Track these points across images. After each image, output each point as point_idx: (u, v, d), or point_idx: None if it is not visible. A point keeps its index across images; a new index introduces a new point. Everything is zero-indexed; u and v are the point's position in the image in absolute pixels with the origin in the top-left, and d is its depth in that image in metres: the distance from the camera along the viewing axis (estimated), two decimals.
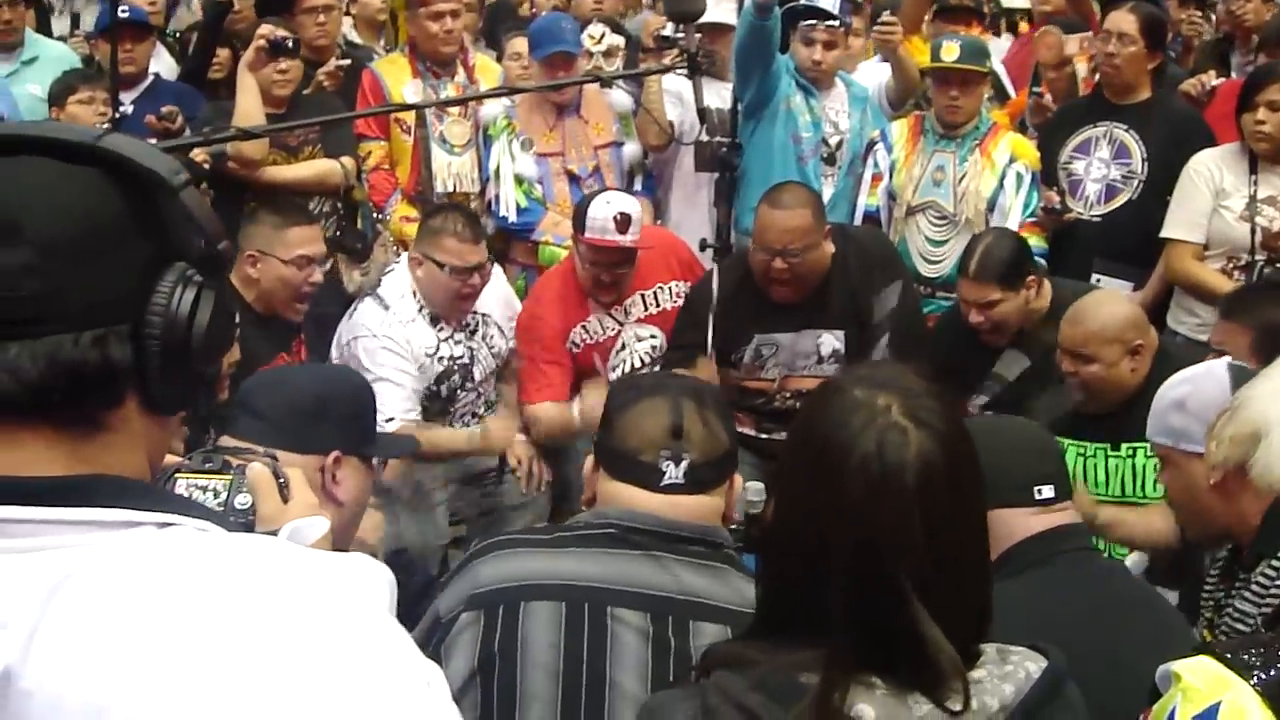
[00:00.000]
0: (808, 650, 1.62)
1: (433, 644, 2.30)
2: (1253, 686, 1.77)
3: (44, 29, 7.23)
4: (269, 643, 1.18)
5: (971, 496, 1.70)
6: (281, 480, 1.84)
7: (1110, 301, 4.36)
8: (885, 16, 6.15)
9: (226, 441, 2.58)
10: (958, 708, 1.59)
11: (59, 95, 5.68)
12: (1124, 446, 4.20)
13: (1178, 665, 1.84)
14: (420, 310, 4.88)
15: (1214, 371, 2.92)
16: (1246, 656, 1.81)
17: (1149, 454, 4.06)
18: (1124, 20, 5.61)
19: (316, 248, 4.67)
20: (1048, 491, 2.60)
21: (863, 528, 1.60)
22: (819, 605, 1.62)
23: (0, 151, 1.26)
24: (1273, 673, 1.78)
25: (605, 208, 4.88)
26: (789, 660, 1.63)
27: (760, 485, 2.96)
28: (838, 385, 1.72)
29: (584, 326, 5.10)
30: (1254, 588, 2.60)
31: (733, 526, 2.47)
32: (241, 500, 1.79)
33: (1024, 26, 7.47)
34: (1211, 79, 5.99)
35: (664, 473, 2.32)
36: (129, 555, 1.21)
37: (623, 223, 4.84)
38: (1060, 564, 2.58)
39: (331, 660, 1.19)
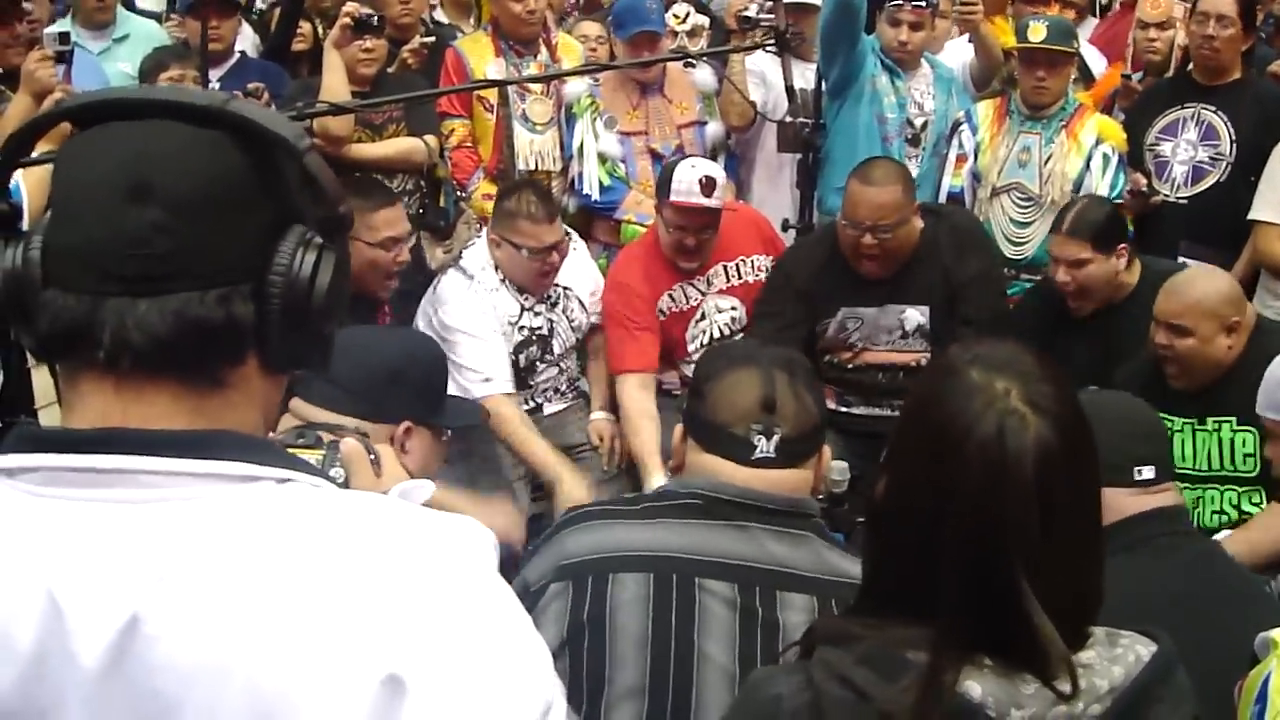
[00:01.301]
0: (915, 628, 1.61)
1: None
2: None
3: (129, 4, 7.32)
4: (387, 599, 1.20)
5: (1088, 482, 1.70)
6: (373, 456, 1.87)
7: (1210, 276, 4.34)
8: None
9: (297, 405, 2.60)
10: (1066, 689, 1.58)
11: (150, 73, 5.72)
12: (1210, 420, 4.17)
13: (1276, 633, 1.84)
14: (503, 281, 4.91)
15: None
16: None
17: (1234, 428, 4.04)
18: (1222, 2, 5.54)
19: (402, 227, 4.68)
20: (1148, 473, 2.59)
21: (980, 514, 1.59)
22: (928, 585, 1.62)
23: (131, 114, 1.29)
24: None
25: (690, 171, 4.90)
26: (896, 636, 1.63)
27: (844, 465, 2.96)
28: (954, 366, 1.70)
29: (670, 295, 5.11)
30: None
31: (819, 499, 2.47)
32: (336, 474, 1.81)
33: (1116, 7, 7.38)
34: None
35: (755, 446, 2.32)
36: (252, 509, 1.24)
37: (708, 185, 4.85)
38: (1152, 549, 2.57)
39: (448, 614, 1.22)
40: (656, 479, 4.56)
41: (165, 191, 1.25)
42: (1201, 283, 4.23)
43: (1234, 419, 4.01)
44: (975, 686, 1.58)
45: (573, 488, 4.60)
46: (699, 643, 2.25)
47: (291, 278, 1.30)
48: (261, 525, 1.23)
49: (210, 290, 1.26)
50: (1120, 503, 2.56)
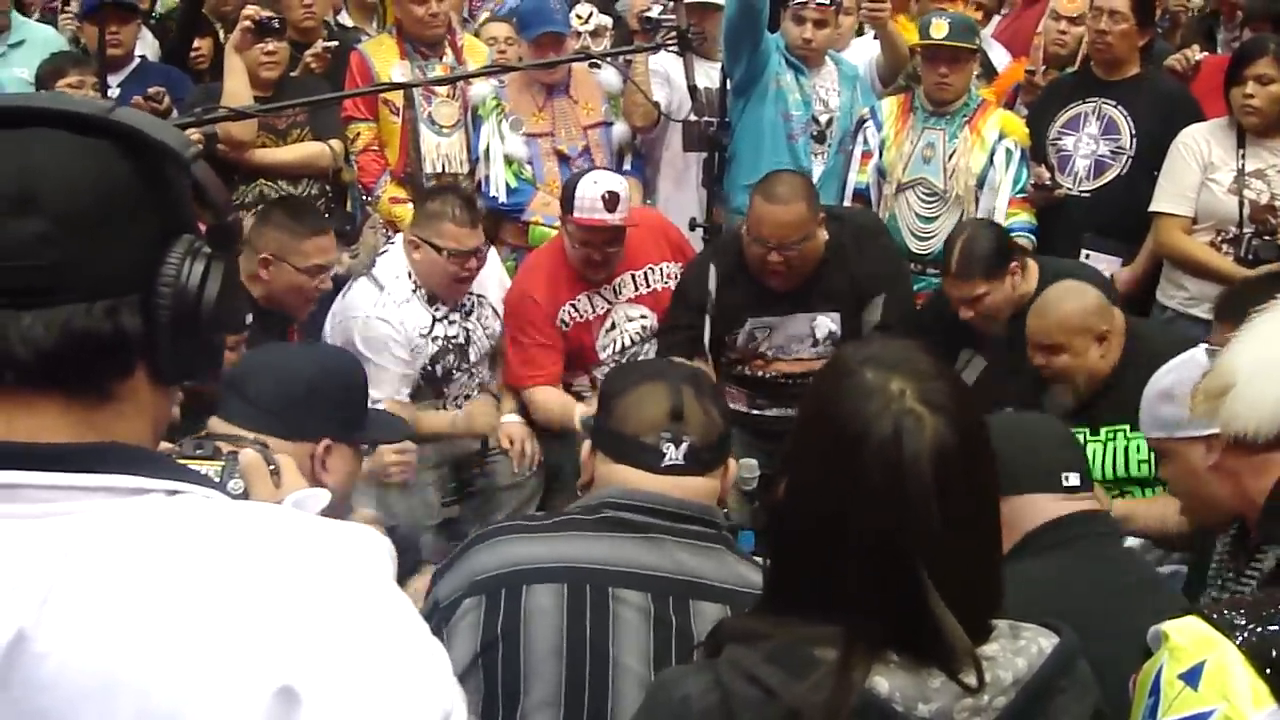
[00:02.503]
0: (821, 625, 1.62)
1: (430, 628, 2.29)
2: (1237, 646, 1.79)
3: (20, 9, 7.21)
4: (280, 610, 1.19)
5: (985, 477, 1.71)
6: (273, 467, 1.85)
7: (1071, 292, 4.37)
8: None
9: (216, 424, 2.58)
10: (972, 682, 1.60)
11: (47, 78, 5.66)
12: (1103, 430, 4.23)
13: (1167, 625, 1.87)
14: (415, 290, 4.87)
15: (1195, 358, 2.93)
16: (1232, 617, 1.83)
17: (1128, 435, 4.11)
18: None
19: (331, 256, 4.63)
20: (1074, 479, 2.69)
21: (881, 513, 1.61)
22: (833, 583, 1.63)
23: (13, 123, 1.27)
24: (1257, 632, 1.79)
25: (593, 187, 4.88)
26: (803, 634, 1.64)
27: (754, 462, 2.98)
28: (848, 367, 1.71)
29: (573, 305, 5.09)
30: (1253, 571, 2.62)
31: (725, 510, 2.49)
32: (234, 486, 1.79)
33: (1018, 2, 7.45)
34: (1196, 54, 6.02)
35: (664, 454, 2.34)
36: (140, 522, 1.22)
37: (611, 201, 4.84)
38: (1082, 547, 2.66)
39: (342, 623, 1.21)
40: (579, 410, 4.69)
41: (49, 202, 1.23)
42: (1066, 300, 4.29)
43: (1126, 426, 4.07)
44: (883, 682, 1.60)
45: (483, 411, 4.78)
46: (614, 652, 2.26)
47: (180, 288, 1.28)
48: (150, 538, 1.21)
49: (97, 302, 1.24)
50: (1051, 506, 2.66)
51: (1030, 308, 4.37)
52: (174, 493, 1.26)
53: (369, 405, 2.84)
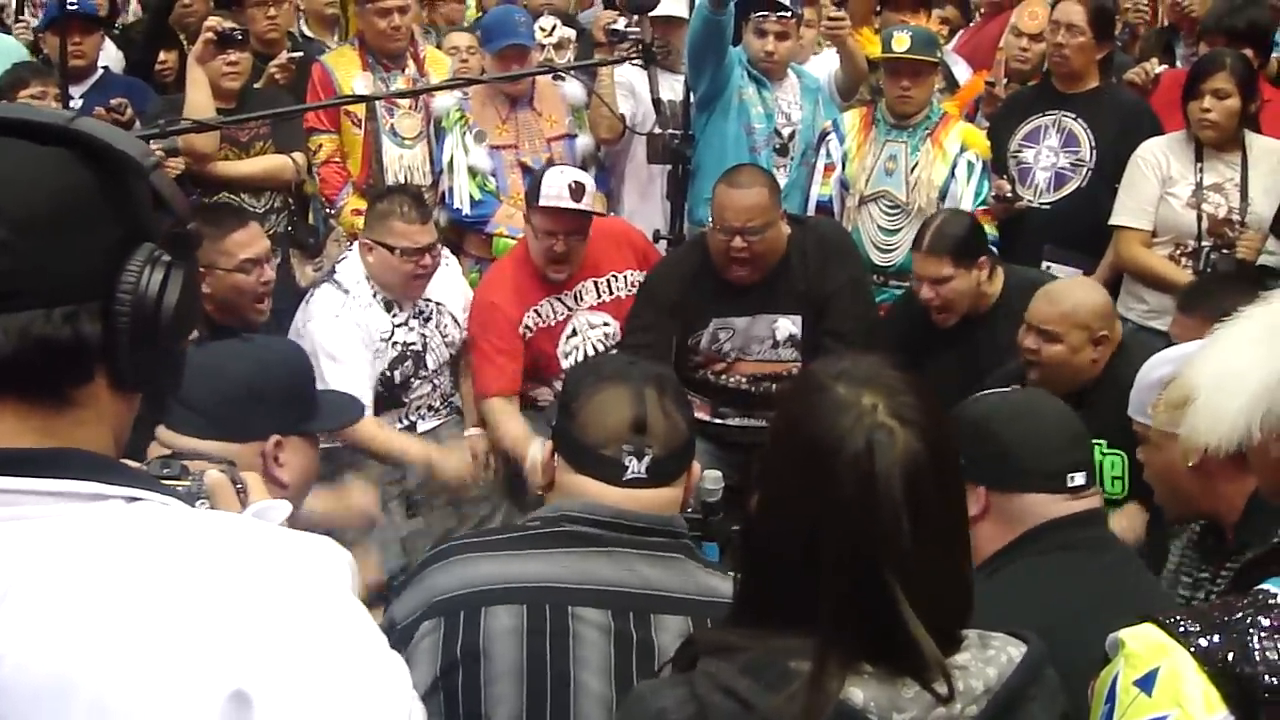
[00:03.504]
0: (795, 637, 1.64)
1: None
2: (1190, 653, 1.81)
3: None
4: (234, 615, 1.20)
5: (954, 491, 1.74)
6: (239, 485, 1.84)
7: (1086, 287, 4.42)
8: (831, 10, 6.21)
9: (163, 433, 2.56)
10: (944, 691, 1.62)
11: (8, 88, 5.63)
12: None
13: (1124, 633, 1.89)
14: (375, 295, 4.89)
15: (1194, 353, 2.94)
16: (1186, 624, 1.85)
17: (1104, 452, 4.11)
18: (1072, 11, 5.68)
19: (259, 246, 4.55)
20: (1080, 478, 2.64)
21: (853, 527, 1.62)
22: (806, 596, 1.64)
23: None
24: (1211, 640, 1.82)
25: (559, 176, 4.95)
26: (777, 646, 1.65)
27: (718, 474, 2.99)
28: (820, 382, 1.73)
29: (536, 310, 5.10)
30: (1227, 573, 2.65)
31: (689, 513, 2.48)
32: (200, 505, 1.79)
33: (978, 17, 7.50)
34: (1155, 67, 6.06)
35: (626, 467, 2.31)
36: (99, 527, 1.23)
37: (577, 190, 4.90)
38: (1083, 548, 2.63)
39: (296, 629, 1.22)
40: (534, 448, 4.55)
41: (6, 210, 1.24)
42: (1078, 292, 4.32)
43: (1104, 442, 4.08)
44: (858, 692, 1.61)
45: (446, 461, 4.67)
46: (574, 672, 2.23)
47: (139, 295, 1.29)
48: (108, 543, 1.22)
49: (56, 308, 1.25)
50: (1050, 508, 2.62)
51: (1038, 292, 4.35)
52: (133, 499, 1.27)
53: (317, 391, 2.79)
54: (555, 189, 4.89)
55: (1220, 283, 4.53)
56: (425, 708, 2.19)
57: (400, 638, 2.25)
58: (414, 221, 4.82)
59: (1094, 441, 4.03)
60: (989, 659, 1.70)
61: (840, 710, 1.60)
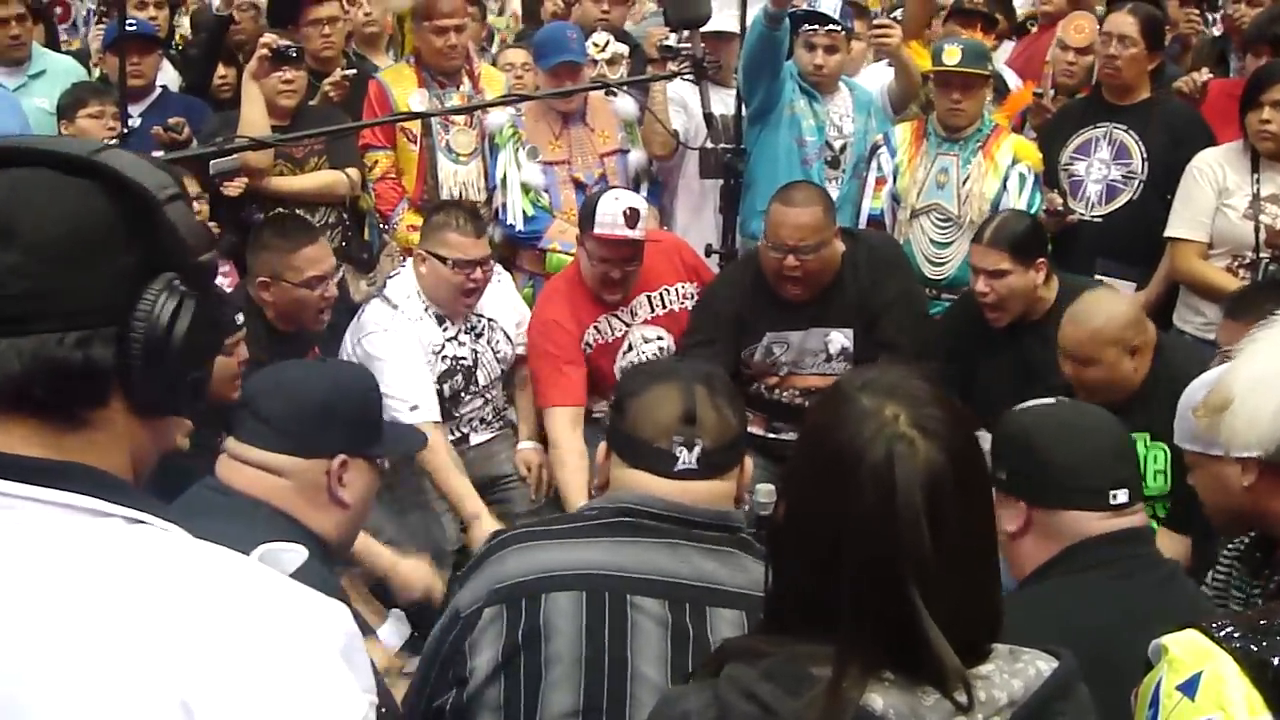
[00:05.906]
0: (818, 644, 1.64)
1: (452, 638, 2.33)
2: (1233, 658, 1.81)
3: (52, 44, 7.28)
4: (189, 636, 1.21)
5: (978, 502, 1.73)
6: None
7: (1108, 301, 4.37)
8: (881, 19, 6.21)
9: (232, 444, 2.61)
10: (963, 699, 1.62)
11: (68, 109, 5.71)
12: None
13: (1167, 639, 1.89)
14: (426, 310, 4.94)
15: None
16: (1230, 630, 1.85)
17: (1147, 445, 4.10)
18: (1124, 22, 5.66)
19: (327, 264, 4.67)
20: (1122, 496, 2.61)
21: (873, 536, 1.62)
22: (828, 603, 1.64)
23: (3, 163, 1.33)
24: (1254, 646, 1.81)
25: (614, 203, 4.94)
26: (800, 652, 1.65)
27: (771, 488, 3.00)
28: (845, 393, 1.73)
29: (595, 328, 5.14)
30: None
31: (745, 508, 2.49)
32: None
33: (1034, 29, 7.49)
34: (1203, 75, 6.03)
35: (677, 458, 2.34)
36: (87, 544, 1.26)
37: (631, 217, 4.90)
38: (1124, 565, 2.60)
39: (250, 661, 1.22)
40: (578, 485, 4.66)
41: (25, 235, 1.28)
42: (1101, 308, 4.27)
43: (1147, 435, 4.06)
44: (877, 699, 1.61)
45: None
46: (632, 661, 2.27)
47: (152, 323, 1.33)
48: (86, 561, 1.24)
49: (70, 332, 1.29)
50: (1091, 525, 2.59)
51: (1064, 316, 4.33)
52: (135, 521, 1.29)
53: (383, 420, 2.85)
54: (610, 216, 4.90)
55: (1269, 289, 4.49)
56: (486, 693, 2.24)
57: (464, 626, 2.31)
58: (468, 234, 4.86)
59: (1137, 434, 4.04)
60: (1016, 671, 1.68)
61: (860, 716, 1.60)
